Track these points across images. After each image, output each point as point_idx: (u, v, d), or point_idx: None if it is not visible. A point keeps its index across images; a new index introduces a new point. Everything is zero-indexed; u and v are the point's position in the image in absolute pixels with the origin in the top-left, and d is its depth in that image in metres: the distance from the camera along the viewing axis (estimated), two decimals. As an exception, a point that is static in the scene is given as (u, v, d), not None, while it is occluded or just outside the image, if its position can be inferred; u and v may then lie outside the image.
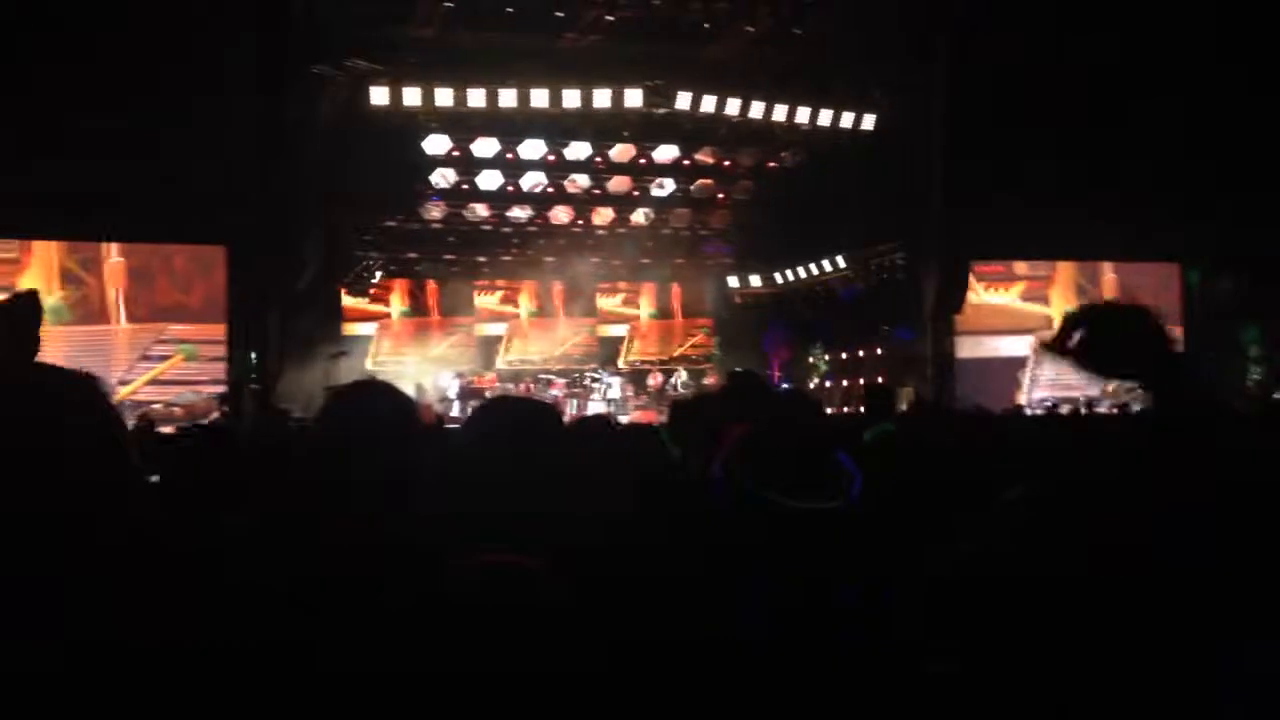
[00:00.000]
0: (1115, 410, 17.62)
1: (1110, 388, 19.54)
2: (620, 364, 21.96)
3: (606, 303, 22.43)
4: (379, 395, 2.11)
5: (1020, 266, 18.91)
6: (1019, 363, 18.63)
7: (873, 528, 2.11)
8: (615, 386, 20.83)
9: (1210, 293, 20.22)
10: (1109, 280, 19.53)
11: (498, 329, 21.76)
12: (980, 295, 18.53)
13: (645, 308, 22.63)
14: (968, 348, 18.29)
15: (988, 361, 18.15)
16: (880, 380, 17.39)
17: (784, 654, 1.86)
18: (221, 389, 16.52)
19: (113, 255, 16.78)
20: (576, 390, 20.63)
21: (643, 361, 22.28)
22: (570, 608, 1.60)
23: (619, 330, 22.51)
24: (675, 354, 22.51)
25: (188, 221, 15.91)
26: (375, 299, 20.69)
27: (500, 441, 1.90)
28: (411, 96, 16.10)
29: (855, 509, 2.05)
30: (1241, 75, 16.15)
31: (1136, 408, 16.19)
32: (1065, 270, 19.57)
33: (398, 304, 21.09)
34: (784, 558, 1.91)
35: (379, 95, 15.96)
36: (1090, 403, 18.59)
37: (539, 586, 1.62)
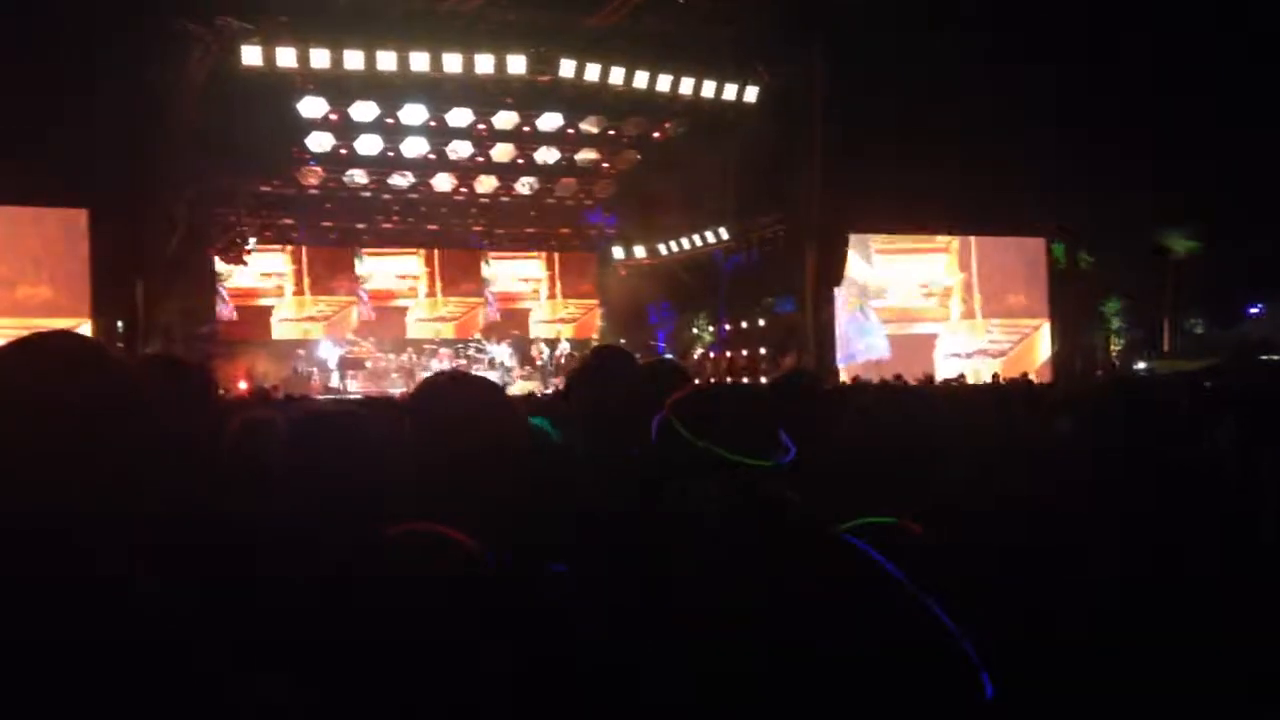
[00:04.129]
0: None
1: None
2: (532, 334, 21.88)
3: (506, 269, 22.22)
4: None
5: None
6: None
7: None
8: (502, 357, 20.69)
9: (1075, 267, 20.99)
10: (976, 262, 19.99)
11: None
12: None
13: (544, 280, 22.57)
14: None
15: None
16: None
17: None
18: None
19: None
20: (461, 361, 20.41)
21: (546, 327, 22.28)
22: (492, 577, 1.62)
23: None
24: (558, 317, 22.56)
25: (49, 184, 15.13)
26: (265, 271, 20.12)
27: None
28: (286, 57, 15.56)
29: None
30: (1113, 61, 16.77)
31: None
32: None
33: (289, 276, 20.58)
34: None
35: (251, 55, 15.39)
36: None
37: (463, 557, 1.63)
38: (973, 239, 19.95)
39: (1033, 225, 20.39)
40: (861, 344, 17.50)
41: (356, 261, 21.14)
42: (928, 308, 17.61)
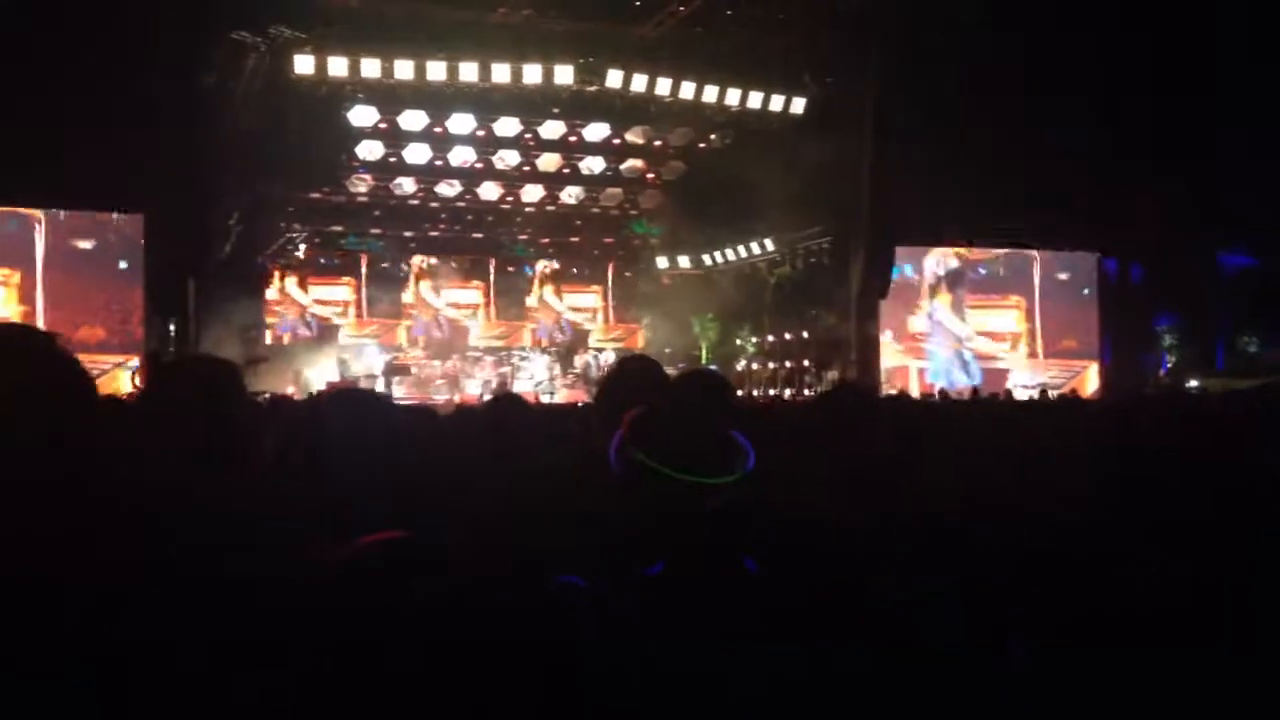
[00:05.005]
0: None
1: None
2: (597, 343, 21.90)
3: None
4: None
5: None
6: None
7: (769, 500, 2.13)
8: (541, 366, 20.78)
9: (1126, 283, 20.72)
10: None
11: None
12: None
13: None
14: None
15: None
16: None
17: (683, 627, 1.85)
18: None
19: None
20: (504, 369, 20.55)
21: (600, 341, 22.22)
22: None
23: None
24: (610, 338, 22.49)
25: (106, 190, 15.44)
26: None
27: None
28: (337, 66, 15.79)
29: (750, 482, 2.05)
30: (1165, 72, 16.50)
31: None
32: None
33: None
34: (681, 531, 1.92)
35: (303, 64, 15.62)
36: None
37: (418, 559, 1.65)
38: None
39: (1083, 238, 20.15)
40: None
41: (416, 288, 21.27)
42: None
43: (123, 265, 15.91)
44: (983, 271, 19.95)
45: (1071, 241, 20.32)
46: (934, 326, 19.52)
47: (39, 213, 15.84)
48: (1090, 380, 21.08)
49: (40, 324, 15.02)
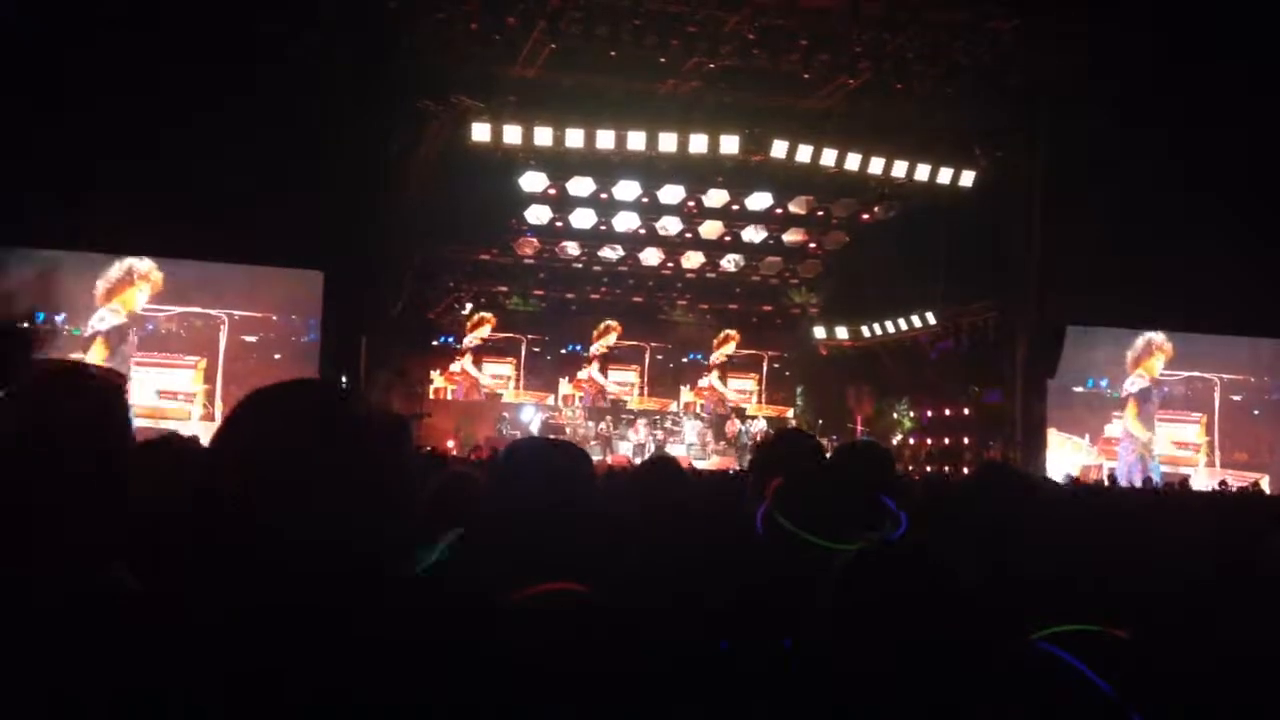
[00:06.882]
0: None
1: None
2: (749, 413, 21.83)
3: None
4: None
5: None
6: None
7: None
8: (693, 431, 20.82)
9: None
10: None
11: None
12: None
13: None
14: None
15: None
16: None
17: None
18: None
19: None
20: (657, 432, 20.68)
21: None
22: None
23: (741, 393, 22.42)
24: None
25: (289, 245, 16.30)
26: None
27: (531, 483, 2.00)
28: (512, 134, 16.40)
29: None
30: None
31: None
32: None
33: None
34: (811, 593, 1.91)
35: (480, 132, 16.29)
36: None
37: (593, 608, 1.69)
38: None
39: (1265, 324, 19.05)
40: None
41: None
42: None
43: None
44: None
45: (1250, 328, 19.22)
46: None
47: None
48: (1263, 486, 20.48)
49: (219, 396, 17.08)
